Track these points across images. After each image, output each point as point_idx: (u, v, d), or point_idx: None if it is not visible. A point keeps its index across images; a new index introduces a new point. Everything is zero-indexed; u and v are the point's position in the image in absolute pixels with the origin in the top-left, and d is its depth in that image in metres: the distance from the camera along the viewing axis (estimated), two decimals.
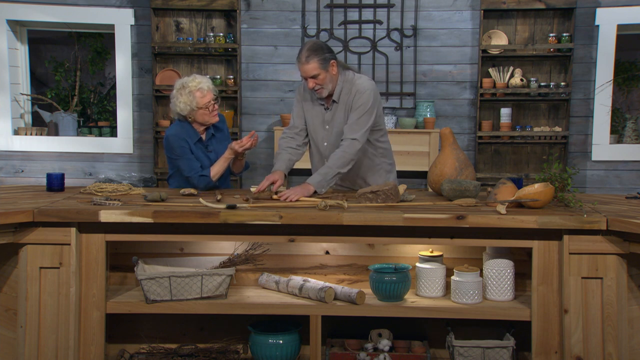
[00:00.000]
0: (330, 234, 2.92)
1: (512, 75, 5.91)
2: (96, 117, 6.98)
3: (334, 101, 3.55)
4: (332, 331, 3.23)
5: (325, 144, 3.62)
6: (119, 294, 3.10)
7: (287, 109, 6.08)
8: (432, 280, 3.06)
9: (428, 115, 5.86)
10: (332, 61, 3.45)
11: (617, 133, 6.20)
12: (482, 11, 5.81)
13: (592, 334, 2.82)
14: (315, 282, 3.07)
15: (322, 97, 3.52)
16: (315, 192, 3.33)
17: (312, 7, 6.03)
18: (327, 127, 3.60)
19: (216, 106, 3.67)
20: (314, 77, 3.42)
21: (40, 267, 2.88)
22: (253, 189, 3.43)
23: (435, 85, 6.02)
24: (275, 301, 3.03)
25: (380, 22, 6.01)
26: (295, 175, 6.07)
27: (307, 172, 5.94)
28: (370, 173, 3.68)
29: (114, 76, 6.63)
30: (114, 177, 5.81)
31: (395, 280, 2.97)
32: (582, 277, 2.82)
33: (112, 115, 6.90)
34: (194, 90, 3.60)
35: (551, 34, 5.83)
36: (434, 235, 2.90)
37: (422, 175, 5.83)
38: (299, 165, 5.73)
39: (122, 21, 6.06)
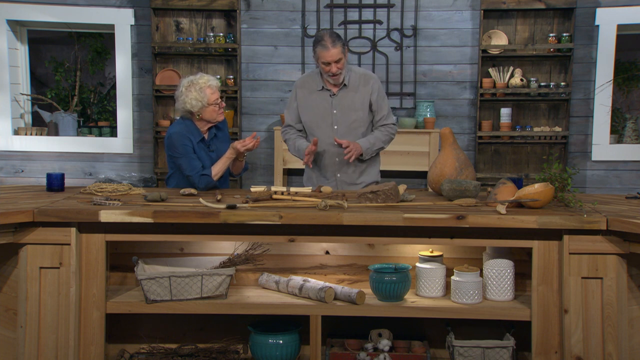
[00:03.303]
0: (330, 234, 2.92)
1: (512, 75, 5.91)
2: (96, 117, 6.98)
3: (345, 85, 3.81)
4: (332, 331, 3.23)
5: (336, 127, 3.83)
6: (119, 294, 3.10)
7: None
8: (432, 280, 3.06)
9: (428, 115, 5.86)
10: (347, 48, 3.80)
11: (617, 133, 6.20)
12: (482, 11, 5.81)
13: (592, 334, 2.82)
14: (315, 282, 3.07)
15: (339, 82, 3.79)
16: (361, 154, 3.76)
17: (312, 7, 6.03)
18: (335, 111, 3.83)
19: (223, 104, 3.71)
20: (337, 61, 3.69)
21: (40, 267, 2.88)
22: (253, 189, 3.43)
23: (435, 85, 6.02)
24: (275, 301, 3.03)
25: (380, 22, 6.00)
26: (295, 175, 6.07)
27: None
28: (373, 167, 3.94)
29: (114, 76, 6.63)
30: (114, 177, 5.81)
31: (395, 280, 2.97)
32: (582, 277, 2.82)
33: (112, 115, 6.90)
34: (204, 87, 3.62)
35: (551, 34, 5.83)
36: (434, 235, 2.90)
37: (422, 175, 5.82)
38: (299, 165, 5.77)
39: (122, 21, 6.06)
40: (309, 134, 3.90)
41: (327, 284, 3.06)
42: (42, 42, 7.68)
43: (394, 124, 3.90)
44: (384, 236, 2.93)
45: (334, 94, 3.83)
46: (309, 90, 3.87)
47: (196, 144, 3.66)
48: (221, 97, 3.72)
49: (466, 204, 3.01)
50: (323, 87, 3.84)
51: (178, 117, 3.76)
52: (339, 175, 3.87)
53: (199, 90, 3.61)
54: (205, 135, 3.74)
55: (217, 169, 3.63)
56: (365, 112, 3.84)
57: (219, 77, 5.99)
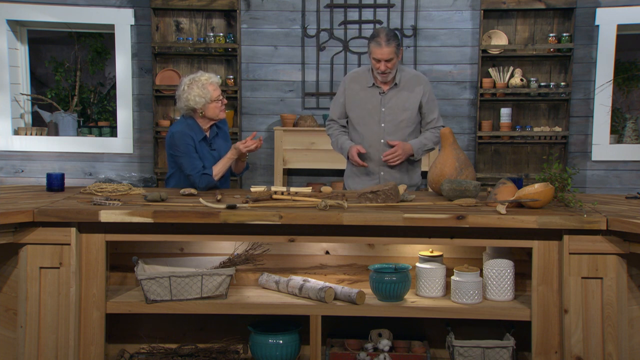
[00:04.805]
0: (330, 234, 2.92)
1: (512, 75, 5.91)
2: (96, 117, 6.98)
3: (395, 85, 3.83)
4: (332, 331, 3.23)
5: (383, 124, 3.84)
6: (119, 294, 3.10)
7: (287, 109, 6.08)
8: (432, 280, 3.06)
9: None
10: (401, 48, 3.84)
11: (617, 133, 6.20)
12: (482, 11, 5.81)
13: (592, 334, 2.82)
14: (315, 282, 3.07)
15: (386, 81, 3.80)
16: (412, 155, 3.81)
17: (312, 7, 6.03)
18: (383, 109, 3.84)
19: (225, 101, 3.73)
20: (388, 60, 3.68)
21: (40, 267, 2.88)
22: (253, 189, 3.43)
23: (435, 85, 6.01)
24: (275, 301, 3.03)
25: (380, 22, 6.00)
26: (296, 175, 6.07)
27: (307, 172, 5.98)
28: (416, 169, 4.00)
29: (114, 76, 6.64)
30: (114, 177, 5.81)
31: (395, 280, 2.97)
32: (582, 277, 2.81)
33: (112, 115, 6.90)
34: (206, 84, 3.65)
35: (551, 34, 5.83)
36: (434, 235, 2.90)
37: (422, 175, 5.81)
38: (299, 165, 5.77)
39: (122, 21, 6.06)
40: (355, 130, 3.89)
41: (327, 284, 3.06)
42: (42, 42, 7.68)
43: (443, 126, 3.86)
44: (384, 236, 2.93)
45: (384, 92, 3.84)
46: (359, 86, 3.87)
47: (198, 143, 3.66)
48: (223, 94, 3.74)
49: (466, 204, 3.01)
50: (373, 84, 3.85)
51: (179, 117, 3.76)
52: (382, 173, 3.87)
53: (202, 87, 3.62)
54: (207, 134, 3.74)
55: (218, 169, 3.63)
56: (414, 112, 3.85)
57: (219, 77, 5.98)
